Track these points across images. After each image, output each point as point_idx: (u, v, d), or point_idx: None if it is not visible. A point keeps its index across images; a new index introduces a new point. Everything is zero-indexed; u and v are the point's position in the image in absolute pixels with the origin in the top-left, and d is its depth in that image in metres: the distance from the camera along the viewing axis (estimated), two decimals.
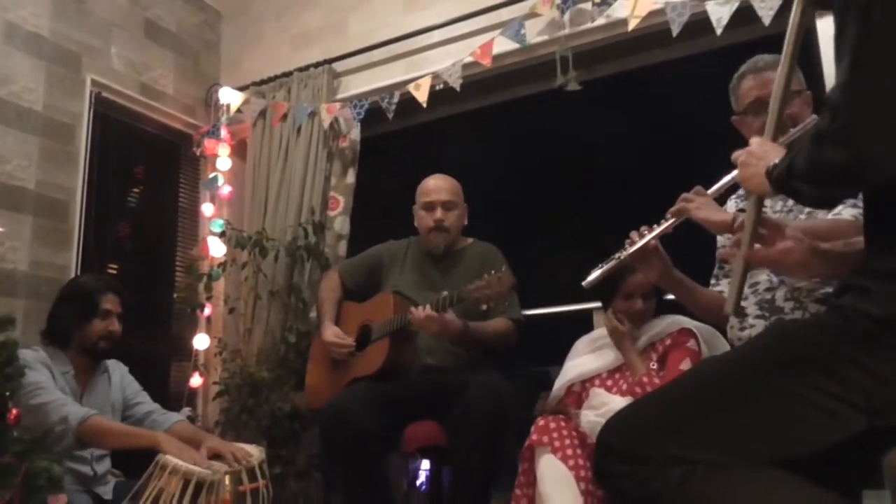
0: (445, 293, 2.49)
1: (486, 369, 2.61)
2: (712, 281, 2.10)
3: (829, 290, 1.71)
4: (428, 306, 2.48)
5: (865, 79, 1.05)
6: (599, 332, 2.54)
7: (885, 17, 1.03)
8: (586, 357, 2.48)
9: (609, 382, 2.35)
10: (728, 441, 1.14)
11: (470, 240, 2.91)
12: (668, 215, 1.88)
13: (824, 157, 1.10)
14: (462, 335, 2.55)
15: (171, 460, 2.10)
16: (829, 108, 1.09)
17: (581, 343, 2.56)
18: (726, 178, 1.83)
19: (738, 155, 1.43)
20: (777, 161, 1.28)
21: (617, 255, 1.94)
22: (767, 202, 1.65)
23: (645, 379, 2.22)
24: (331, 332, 2.80)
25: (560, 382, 2.45)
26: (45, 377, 2.34)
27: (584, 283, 1.98)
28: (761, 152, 1.37)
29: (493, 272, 2.42)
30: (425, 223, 2.82)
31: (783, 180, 1.24)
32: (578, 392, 2.41)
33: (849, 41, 1.07)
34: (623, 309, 2.36)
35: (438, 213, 2.79)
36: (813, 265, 1.47)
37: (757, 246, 1.47)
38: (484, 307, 2.50)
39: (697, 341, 2.28)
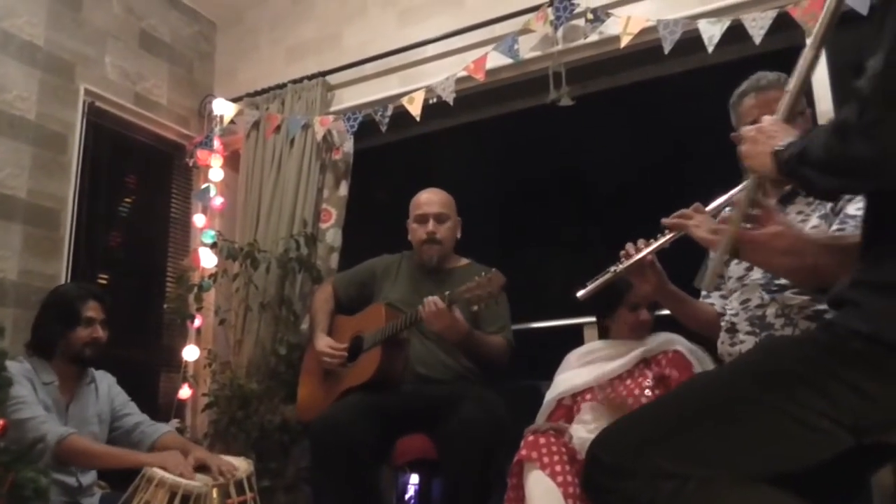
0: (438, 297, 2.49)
1: (478, 383, 2.60)
2: (703, 293, 2.10)
3: (820, 307, 1.71)
4: (438, 298, 2.47)
5: None
6: (591, 346, 2.54)
7: None
8: (577, 370, 2.47)
9: (600, 396, 2.34)
10: (717, 455, 1.14)
11: (467, 260, 2.91)
12: (666, 230, 1.87)
13: (847, 150, 1.05)
14: (466, 337, 2.55)
15: (158, 472, 2.09)
16: (858, 99, 1.04)
17: (572, 356, 2.56)
18: (724, 197, 1.83)
19: (747, 130, 1.36)
20: (786, 143, 1.23)
21: (612, 268, 1.93)
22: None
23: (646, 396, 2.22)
24: (324, 342, 2.79)
25: (550, 395, 2.44)
26: (27, 391, 2.33)
27: (578, 295, 1.95)
28: (772, 131, 1.31)
29: (483, 273, 2.42)
30: (418, 236, 2.83)
31: (793, 165, 1.19)
32: (569, 406, 2.41)
33: (889, 32, 1.01)
34: (630, 320, 2.36)
35: (430, 225, 2.79)
36: (803, 252, 1.43)
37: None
38: (475, 308, 2.51)
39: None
